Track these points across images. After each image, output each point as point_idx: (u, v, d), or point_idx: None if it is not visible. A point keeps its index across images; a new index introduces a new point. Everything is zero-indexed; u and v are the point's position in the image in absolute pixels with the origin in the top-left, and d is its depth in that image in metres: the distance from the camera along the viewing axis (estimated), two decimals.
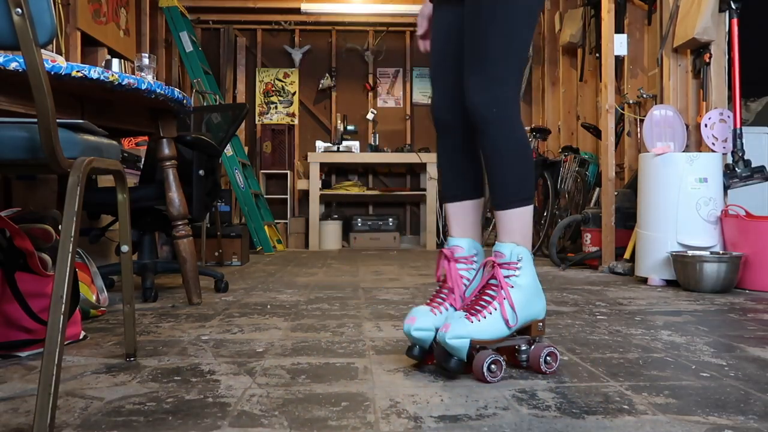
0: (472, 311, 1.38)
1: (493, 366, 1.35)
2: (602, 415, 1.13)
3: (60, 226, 1.13)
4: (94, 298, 2.05)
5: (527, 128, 5.78)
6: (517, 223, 1.46)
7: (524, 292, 1.41)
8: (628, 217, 3.73)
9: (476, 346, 1.36)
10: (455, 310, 1.50)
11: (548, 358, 1.41)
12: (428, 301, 1.54)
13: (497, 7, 1.45)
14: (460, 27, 1.58)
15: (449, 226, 1.63)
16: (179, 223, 2.48)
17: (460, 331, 1.33)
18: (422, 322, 1.46)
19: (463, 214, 1.61)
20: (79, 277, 1.92)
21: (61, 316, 1.04)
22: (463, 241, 1.55)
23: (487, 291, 1.41)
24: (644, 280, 3.28)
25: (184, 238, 2.49)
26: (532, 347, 1.43)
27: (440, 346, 1.38)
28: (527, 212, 1.47)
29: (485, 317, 1.37)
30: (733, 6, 3.23)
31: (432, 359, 1.49)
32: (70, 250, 1.09)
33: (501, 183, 1.47)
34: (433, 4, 1.68)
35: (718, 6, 3.27)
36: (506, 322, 1.38)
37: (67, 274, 1.07)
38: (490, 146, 1.47)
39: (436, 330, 1.44)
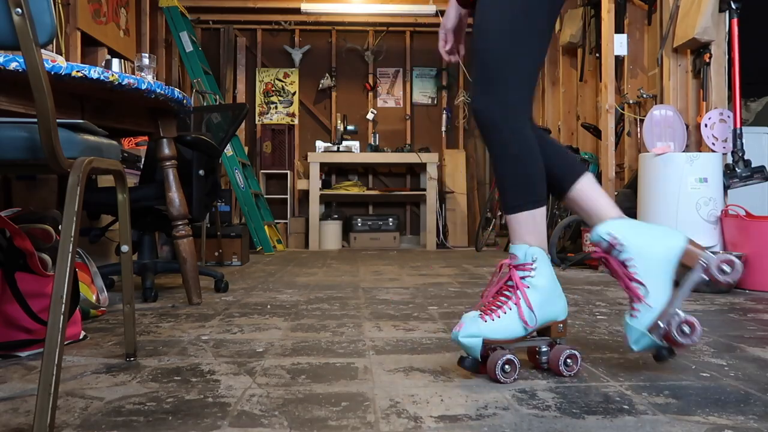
0: (487, 311, 1.39)
1: (506, 366, 1.34)
2: (602, 415, 1.13)
3: (60, 226, 1.13)
4: (94, 298, 2.05)
5: None
6: (528, 225, 1.44)
7: (541, 293, 1.40)
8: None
9: (491, 346, 1.37)
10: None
11: (569, 360, 1.40)
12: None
13: (500, 13, 1.42)
14: None
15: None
16: (179, 223, 2.48)
17: (472, 330, 1.35)
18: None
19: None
20: (79, 277, 1.92)
21: (61, 316, 1.04)
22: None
23: (503, 292, 1.42)
24: None
25: (184, 238, 2.49)
26: (552, 349, 1.43)
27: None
28: (538, 214, 1.45)
29: (499, 317, 1.37)
30: (733, 6, 3.23)
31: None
32: (70, 250, 1.09)
33: (505, 188, 1.46)
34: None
35: (718, 6, 3.27)
36: (524, 322, 1.38)
37: (67, 274, 1.07)
38: (494, 152, 1.46)
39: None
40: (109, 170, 1.38)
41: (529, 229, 1.44)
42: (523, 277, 1.41)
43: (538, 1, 1.43)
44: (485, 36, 1.43)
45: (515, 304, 1.38)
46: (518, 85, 1.43)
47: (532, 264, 1.41)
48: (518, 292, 1.40)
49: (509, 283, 1.42)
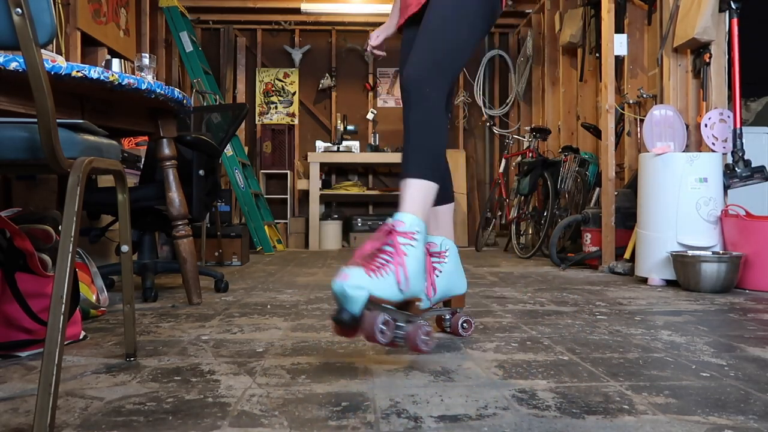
0: (371, 267, 1.37)
1: (383, 326, 1.34)
2: (602, 415, 1.13)
3: (60, 226, 1.13)
4: (94, 298, 2.05)
5: (527, 128, 5.79)
6: (418, 195, 1.52)
7: (418, 263, 1.43)
8: (628, 217, 3.73)
9: (369, 304, 1.34)
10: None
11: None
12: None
13: (450, 10, 1.65)
14: None
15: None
16: (179, 223, 2.48)
17: (359, 281, 1.32)
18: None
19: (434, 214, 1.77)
20: (79, 277, 1.92)
21: (61, 316, 1.04)
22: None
23: (382, 254, 1.41)
24: (644, 280, 3.28)
25: (184, 238, 2.49)
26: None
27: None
28: (427, 188, 1.53)
29: (383, 276, 1.36)
30: (733, 6, 3.23)
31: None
32: (70, 250, 1.09)
33: (411, 152, 1.57)
34: (405, 31, 1.93)
35: (718, 6, 3.27)
36: (398, 285, 1.38)
37: (67, 274, 1.07)
38: (411, 118, 1.60)
39: None
40: (109, 170, 1.38)
41: (419, 199, 1.52)
42: (403, 244, 1.42)
43: (483, 19, 1.70)
44: (451, 38, 1.64)
45: (395, 267, 1.39)
46: (445, 75, 1.64)
47: (414, 234, 1.45)
48: (398, 257, 1.40)
49: (387, 247, 1.42)
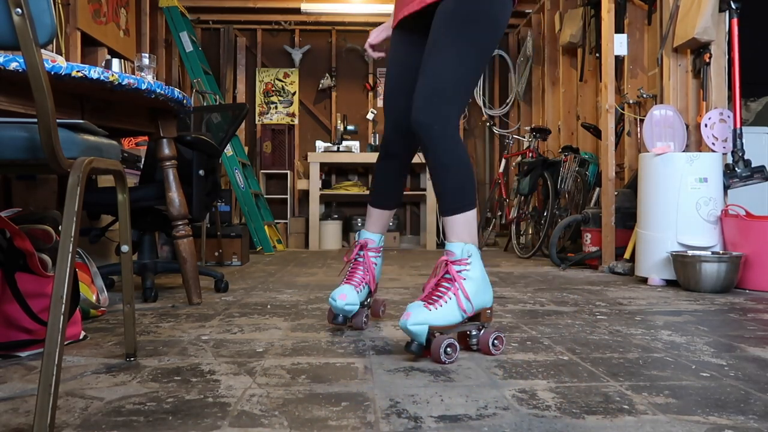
0: (430, 301, 1.56)
1: (448, 349, 1.52)
2: (602, 415, 1.13)
3: (60, 226, 1.13)
4: (94, 298, 2.05)
5: (527, 128, 5.79)
6: (463, 226, 1.65)
7: (475, 284, 1.60)
8: (628, 217, 3.73)
9: (434, 332, 1.53)
10: (369, 288, 1.92)
11: (495, 341, 1.62)
12: (346, 280, 1.90)
13: (457, 39, 1.63)
14: (419, 60, 1.80)
15: (367, 222, 1.99)
16: (179, 223, 2.48)
17: (419, 318, 1.51)
18: (351, 298, 1.84)
19: (379, 217, 1.97)
20: (79, 277, 1.92)
21: (61, 316, 1.04)
22: (375, 236, 1.95)
23: (442, 284, 1.60)
24: (644, 280, 3.28)
25: (184, 238, 2.49)
26: (482, 332, 1.63)
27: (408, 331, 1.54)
28: (471, 216, 1.66)
29: (441, 306, 1.55)
30: (733, 6, 3.23)
31: (350, 324, 1.93)
32: (70, 250, 1.09)
33: (445, 193, 1.65)
34: (397, 32, 1.90)
35: (718, 6, 3.27)
36: (463, 310, 1.57)
37: (67, 274, 1.07)
38: (433, 161, 1.64)
39: (361, 303, 1.89)
40: (109, 170, 1.38)
41: (464, 228, 1.65)
42: (459, 271, 1.60)
43: (488, 49, 1.67)
44: (450, 70, 1.62)
45: (454, 294, 1.57)
46: (457, 106, 1.64)
47: (467, 259, 1.62)
48: (456, 283, 1.58)
49: (447, 275, 1.60)
